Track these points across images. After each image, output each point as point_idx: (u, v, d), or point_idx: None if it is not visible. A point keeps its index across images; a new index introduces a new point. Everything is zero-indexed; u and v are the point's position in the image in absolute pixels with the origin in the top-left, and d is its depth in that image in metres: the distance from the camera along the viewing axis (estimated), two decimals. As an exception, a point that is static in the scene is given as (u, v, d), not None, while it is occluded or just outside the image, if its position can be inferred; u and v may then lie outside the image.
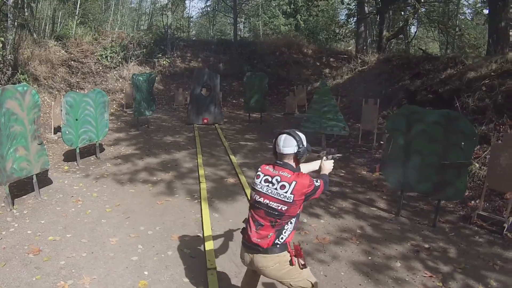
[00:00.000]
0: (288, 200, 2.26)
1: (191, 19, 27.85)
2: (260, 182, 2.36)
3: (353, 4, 17.92)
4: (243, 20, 25.31)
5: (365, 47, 15.91)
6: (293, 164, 2.37)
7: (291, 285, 2.40)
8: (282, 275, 2.38)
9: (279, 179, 2.29)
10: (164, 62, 17.57)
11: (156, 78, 17.02)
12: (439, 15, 16.75)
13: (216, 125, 11.19)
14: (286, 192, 2.25)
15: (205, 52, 19.21)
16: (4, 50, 9.85)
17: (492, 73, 6.82)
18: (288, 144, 2.31)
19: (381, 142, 8.16)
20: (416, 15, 14.63)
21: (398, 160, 4.80)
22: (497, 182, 4.51)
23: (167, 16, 18.78)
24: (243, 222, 2.55)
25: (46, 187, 5.68)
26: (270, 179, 2.33)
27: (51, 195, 5.38)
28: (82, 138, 6.90)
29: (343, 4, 19.59)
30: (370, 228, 4.63)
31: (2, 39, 9.43)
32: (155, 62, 17.32)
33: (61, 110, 6.74)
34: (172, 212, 5.01)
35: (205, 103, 11.36)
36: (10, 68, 9.99)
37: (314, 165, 2.75)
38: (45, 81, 12.08)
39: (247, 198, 5.46)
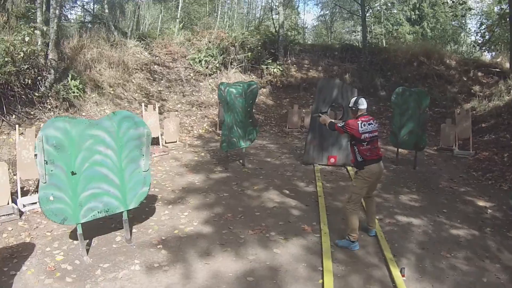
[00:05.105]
0: (378, 129, 4.31)
1: (305, 27, 23.58)
2: (365, 125, 4.06)
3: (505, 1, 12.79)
4: (361, 27, 20.68)
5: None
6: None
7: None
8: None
9: (372, 122, 4.15)
10: (275, 70, 13.49)
11: (261, 90, 12.93)
12: None
13: (348, 168, 6.91)
14: (376, 125, 4.22)
15: (327, 59, 14.89)
16: (44, 47, 7.21)
17: None
18: (364, 103, 4.28)
19: None
20: None
21: None
22: None
23: (278, 13, 14.54)
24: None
25: None
26: (370, 122, 4.13)
27: None
28: (87, 207, 3.53)
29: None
30: None
31: (38, 31, 6.75)
32: (263, 70, 13.47)
33: (36, 155, 3.32)
34: None
35: (333, 133, 6.83)
36: (52, 71, 7.31)
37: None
38: (111, 89, 9.35)
39: None
